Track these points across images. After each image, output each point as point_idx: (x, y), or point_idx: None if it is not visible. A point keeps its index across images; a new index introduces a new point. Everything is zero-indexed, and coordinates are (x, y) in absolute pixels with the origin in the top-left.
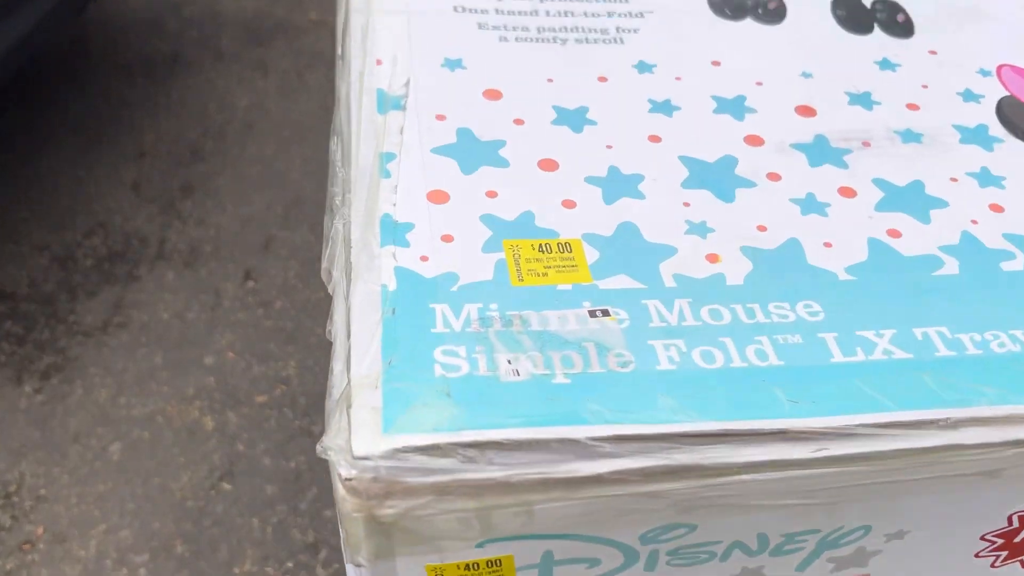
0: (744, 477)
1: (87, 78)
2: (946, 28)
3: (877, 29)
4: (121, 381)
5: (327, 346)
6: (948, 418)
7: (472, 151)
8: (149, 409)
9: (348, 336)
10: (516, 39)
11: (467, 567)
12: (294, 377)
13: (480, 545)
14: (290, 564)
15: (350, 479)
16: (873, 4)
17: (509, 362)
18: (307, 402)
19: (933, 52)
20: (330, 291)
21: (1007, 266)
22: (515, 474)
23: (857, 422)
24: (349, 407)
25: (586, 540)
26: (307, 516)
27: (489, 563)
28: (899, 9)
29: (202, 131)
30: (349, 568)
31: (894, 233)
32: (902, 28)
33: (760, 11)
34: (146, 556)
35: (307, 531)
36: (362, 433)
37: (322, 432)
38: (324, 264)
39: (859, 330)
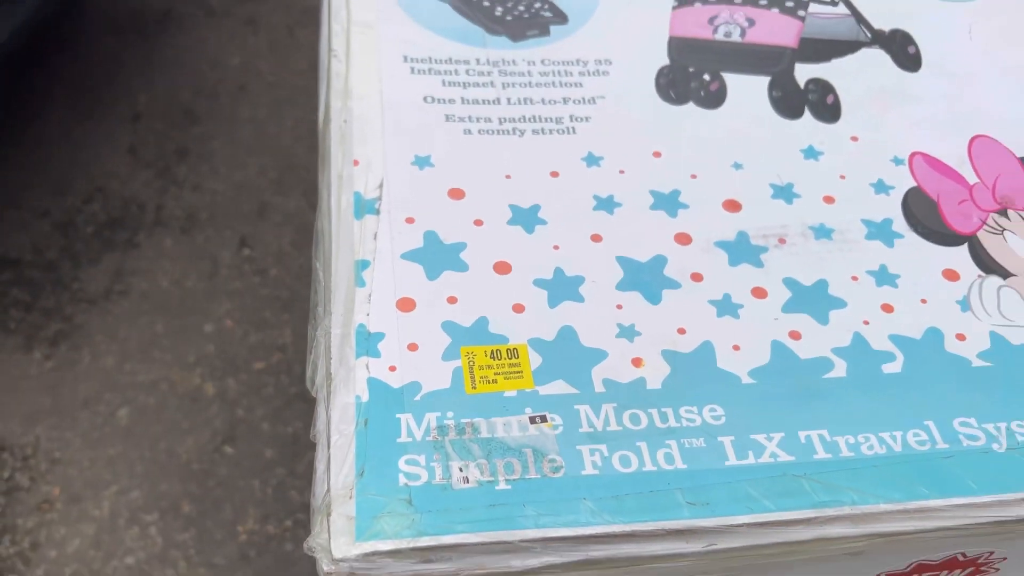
0: (649, 567)
1: (78, 38)
2: (871, 111)
3: (807, 113)
4: (125, 348)
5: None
6: (818, 517)
7: (436, 255)
8: (153, 376)
9: (328, 446)
10: (479, 131)
11: None
12: (290, 344)
13: None
14: (289, 522)
15: (330, 574)
16: (807, 84)
17: (460, 470)
18: (302, 369)
19: (855, 138)
20: (313, 395)
21: (887, 368)
22: (463, 569)
23: (741, 521)
24: (329, 515)
25: None
26: (304, 478)
27: None
28: (830, 90)
29: (195, 92)
30: None
31: (795, 335)
32: (830, 111)
33: (702, 93)
34: (156, 515)
35: (304, 492)
36: (339, 539)
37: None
38: (308, 373)
39: (753, 433)
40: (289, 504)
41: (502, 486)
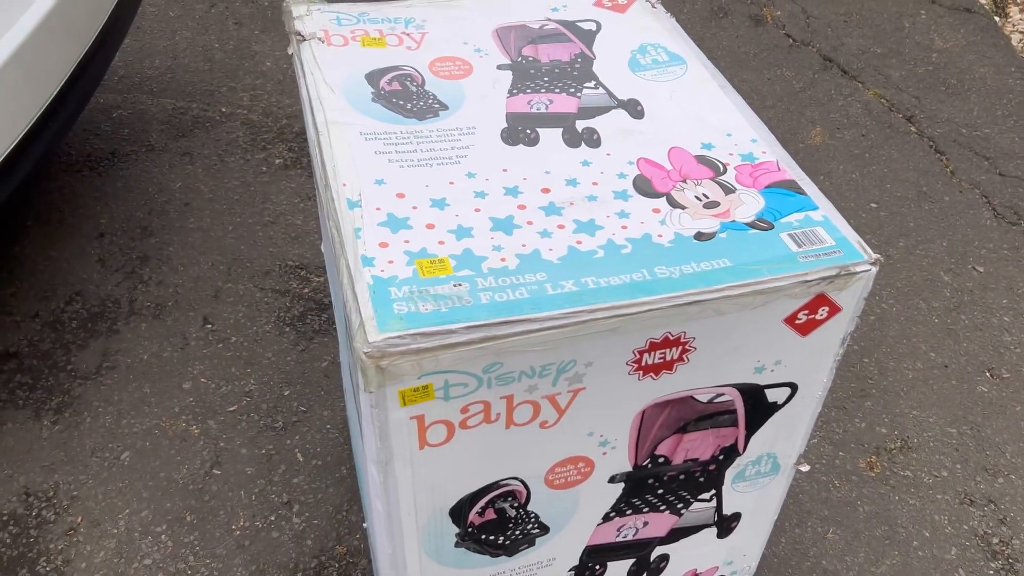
0: (515, 340)
1: (42, 176)
2: (617, 140)
3: (583, 144)
4: (120, 408)
5: (278, 365)
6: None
7: (394, 223)
8: (147, 425)
9: (358, 304)
10: (408, 165)
11: (412, 391)
12: (255, 390)
13: (419, 378)
14: (272, 517)
15: (366, 352)
16: (583, 130)
17: (421, 305)
18: (268, 407)
19: (608, 154)
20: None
21: (624, 251)
22: (424, 347)
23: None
24: (363, 327)
25: (459, 373)
26: (280, 485)
27: (420, 388)
28: (595, 131)
29: (147, 211)
30: (362, 397)
31: (581, 241)
32: (596, 142)
33: (526, 139)
34: (164, 526)
35: (282, 494)
36: (370, 332)
37: (283, 426)
38: (332, 280)
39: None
40: (270, 504)
41: (443, 309)
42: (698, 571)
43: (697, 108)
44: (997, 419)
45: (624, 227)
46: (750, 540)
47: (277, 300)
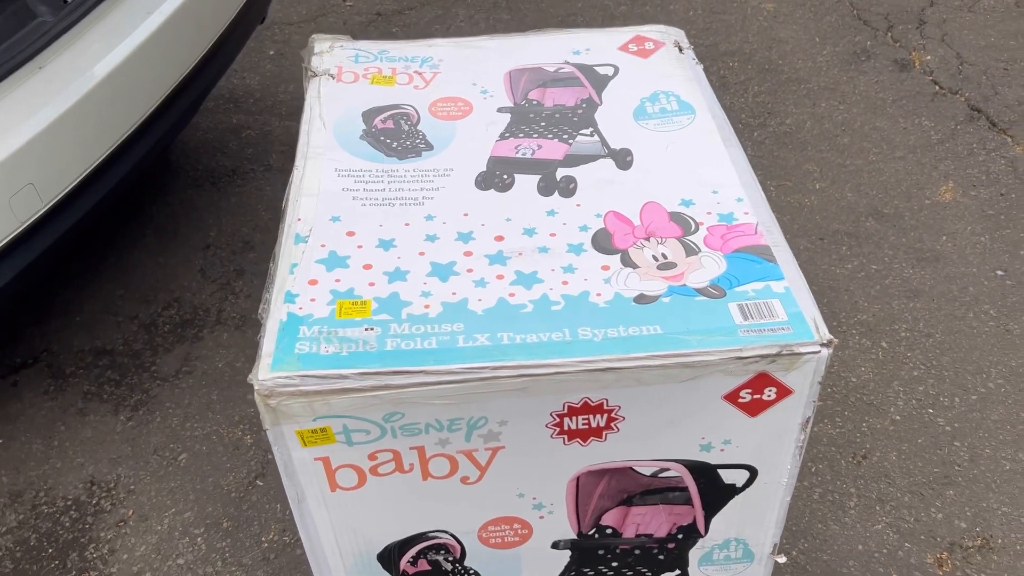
0: (412, 391)
1: (165, 188)
2: (592, 191)
3: (556, 193)
4: (187, 412)
5: None
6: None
7: (333, 260)
8: (207, 431)
9: (265, 335)
10: (370, 203)
11: (311, 432)
12: None
13: (314, 420)
14: (299, 536)
15: (256, 389)
16: (561, 178)
17: (325, 347)
18: None
19: (579, 205)
20: (260, 320)
21: (555, 308)
22: (315, 390)
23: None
24: (259, 362)
25: (358, 419)
26: None
27: (319, 430)
28: (573, 180)
29: (252, 227)
30: (266, 432)
31: (513, 294)
32: (570, 192)
33: (500, 184)
34: (202, 529)
35: None
36: (262, 369)
37: None
38: (260, 311)
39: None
40: None
41: (343, 353)
42: None
43: (691, 161)
44: None
45: (565, 283)
46: None
47: None
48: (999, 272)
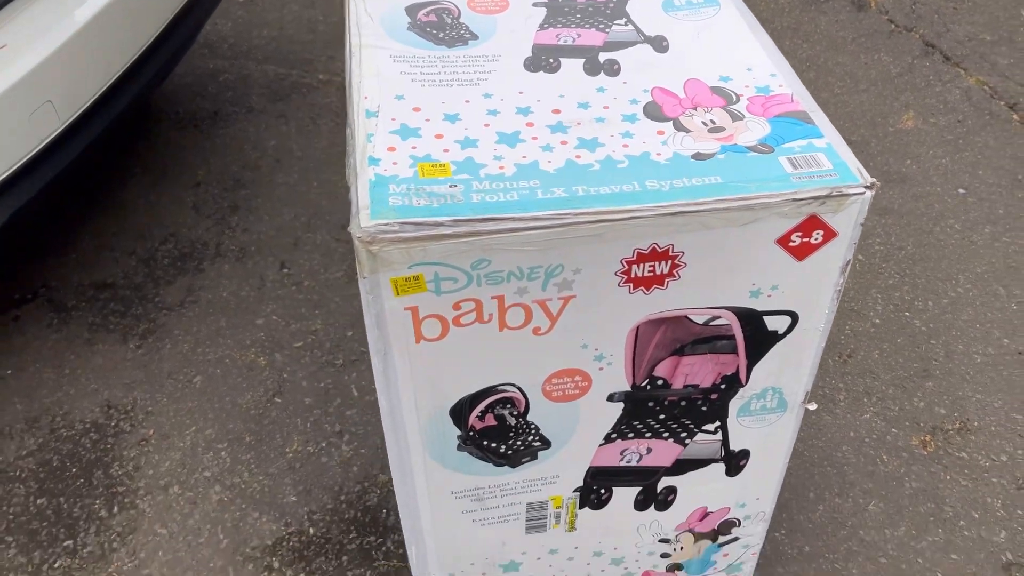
0: (501, 237)
1: (150, 131)
2: (636, 72)
3: (602, 73)
4: (197, 338)
5: (344, 309)
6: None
7: (405, 132)
8: (219, 355)
9: (357, 192)
10: (429, 84)
11: (404, 280)
12: (320, 330)
13: (409, 268)
14: (323, 444)
15: (359, 236)
16: (604, 61)
17: (416, 199)
18: (331, 345)
19: (625, 83)
20: (348, 183)
21: (620, 165)
22: (412, 236)
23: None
24: (359, 213)
25: (449, 266)
26: (334, 416)
27: (412, 278)
28: (616, 63)
29: (241, 165)
30: (361, 285)
31: (580, 155)
32: (615, 72)
33: (547, 67)
34: (225, 444)
35: (335, 424)
36: (363, 218)
37: (343, 364)
38: (347, 173)
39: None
40: (323, 433)
41: (435, 205)
42: (709, 510)
43: (722, 45)
44: None
45: (625, 146)
46: (761, 483)
47: (351, 252)
48: (960, 190)
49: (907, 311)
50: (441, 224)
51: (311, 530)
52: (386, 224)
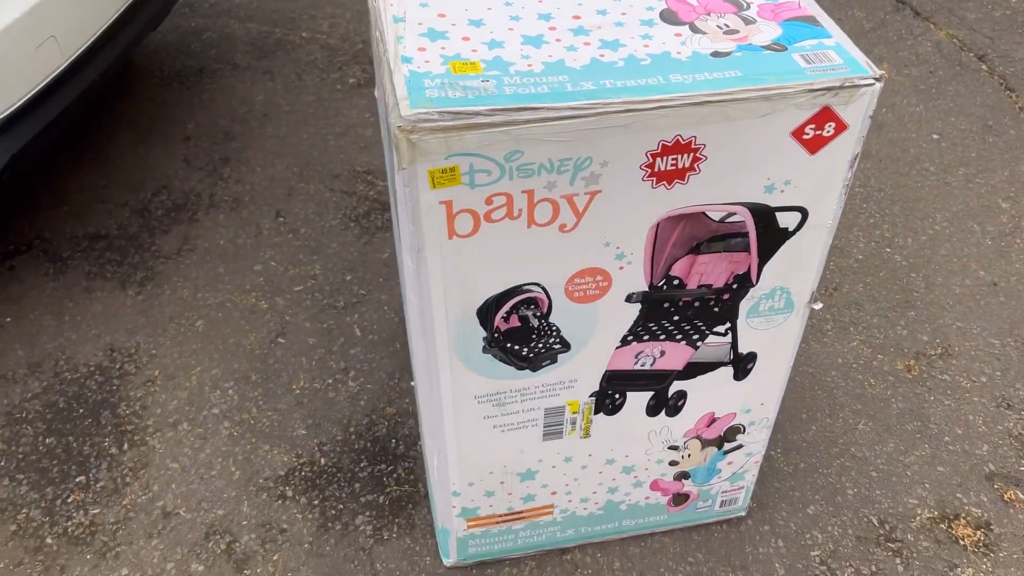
0: (534, 127)
1: (134, 88)
2: None
3: None
4: (197, 284)
5: (341, 255)
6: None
7: (432, 34)
8: (220, 299)
9: (395, 88)
10: None
11: (441, 172)
12: (320, 274)
13: (446, 158)
14: (330, 380)
15: (399, 126)
16: None
17: (450, 92)
18: (331, 288)
19: None
20: (373, 91)
21: (643, 63)
22: (450, 125)
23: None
24: (398, 105)
25: (484, 158)
26: (338, 354)
27: (448, 169)
28: None
29: (230, 120)
30: (397, 177)
31: (604, 54)
32: None
33: None
34: (232, 383)
35: (340, 362)
36: (403, 108)
37: (344, 306)
38: (377, 81)
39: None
40: (329, 370)
41: (470, 96)
42: (716, 415)
43: None
44: None
45: (646, 45)
46: (767, 387)
47: (344, 200)
48: (934, 136)
49: (888, 247)
50: (478, 113)
51: (322, 460)
52: (425, 113)
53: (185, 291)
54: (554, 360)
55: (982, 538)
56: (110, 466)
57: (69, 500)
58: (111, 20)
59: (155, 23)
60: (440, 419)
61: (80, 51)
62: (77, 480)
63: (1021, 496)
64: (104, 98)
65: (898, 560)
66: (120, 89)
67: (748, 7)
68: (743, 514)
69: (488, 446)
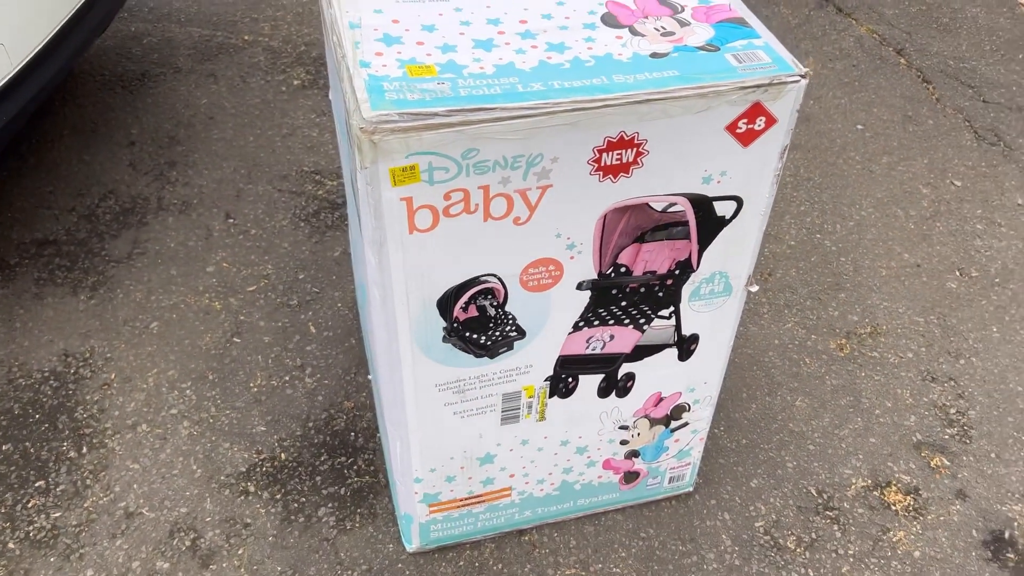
0: (489, 126)
1: (76, 92)
2: None
3: None
4: (149, 287)
5: (293, 254)
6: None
7: (388, 40)
8: (173, 301)
9: (355, 93)
10: (401, 1)
11: (402, 170)
12: (272, 274)
13: (407, 157)
14: (287, 378)
15: (361, 127)
16: None
17: (408, 95)
18: (284, 287)
19: None
20: (331, 98)
21: (588, 64)
22: (410, 126)
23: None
24: (359, 107)
25: (442, 156)
26: (294, 352)
27: (408, 168)
28: None
29: (175, 123)
30: (359, 176)
31: (551, 55)
32: None
33: None
34: (189, 383)
35: (296, 359)
36: (364, 110)
37: (298, 304)
38: (331, 84)
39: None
40: (285, 367)
41: (427, 98)
42: (663, 395)
43: None
44: (963, 311)
45: (590, 48)
46: (709, 367)
47: (293, 200)
48: (859, 126)
49: (818, 233)
50: (436, 114)
51: (283, 455)
52: (386, 115)
53: (138, 294)
54: (511, 347)
55: (912, 503)
56: (70, 470)
57: (29, 505)
58: (59, 26)
59: (102, 28)
60: (402, 408)
61: (29, 57)
62: (36, 485)
63: (946, 462)
64: (46, 103)
65: (836, 527)
66: (62, 94)
67: (683, 10)
68: (690, 490)
69: (448, 432)
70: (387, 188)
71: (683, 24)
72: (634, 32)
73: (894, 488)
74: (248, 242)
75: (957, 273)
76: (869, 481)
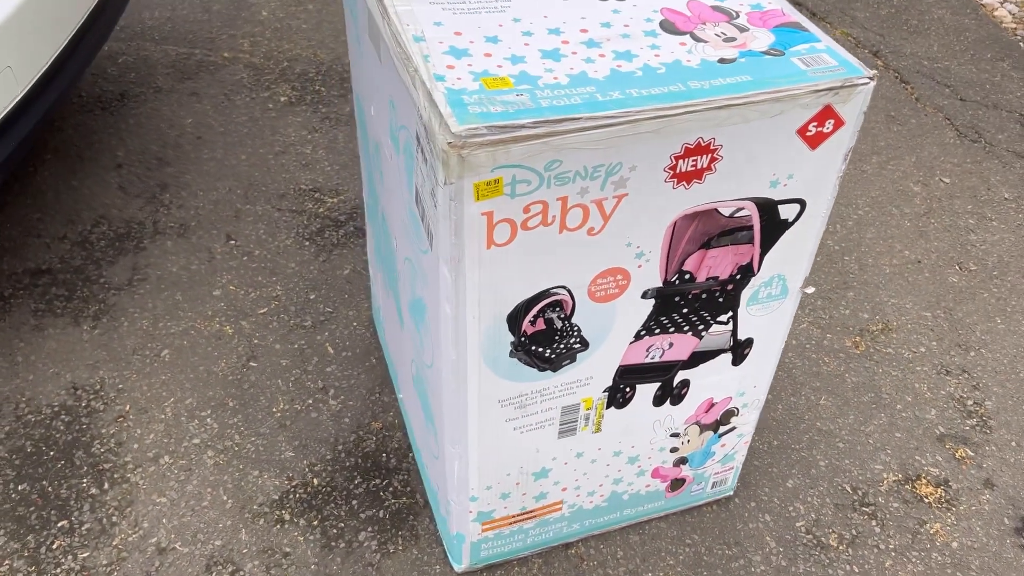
0: (574, 136)
1: (55, 115)
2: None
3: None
4: (155, 314)
5: (301, 274)
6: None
7: (456, 52)
8: (183, 327)
9: (436, 106)
10: (459, 12)
11: (486, 184)
12: (282, 295)
13: (492, 171)
14: (310, 401)
15: (450, 142)
16: None
17: (488, 107)
18: (296, 308)
19: (635, 5)
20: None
21: (637, 73)
22: (498, 139)
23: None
24: (445, 122)
25: (525, 168)
26: (314, 374)
27: (492, 182)
28: None
29: (161, 144)
30: (440, 192)
31: (617, 64)
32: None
33: None
34: (209, 411)
35: (317, 381)
36: (452, 125)
37: (312, 325)
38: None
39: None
40: (307, 390)
41: (510, 110)
42: (714, 400)
43: None
44: (967, 304)
45: (657, 55)
46: (760, 369)
47: (295, 218)
48: None
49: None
50: (523, 126)
51: (315, 481)
52: (474, 128)
53: (144, 321)
54: (574, 359)
55: (943, 495)
56: (93, 507)
57: (55, 546)
58: (62, 47)
59: (99, 46)
60: (464, 426)
61: (35, 79)
62: (59, 525)
63: (970, 453)
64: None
65: (874, 522)
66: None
67: (738, 16)
68: (731, 493)
69: (507, 448)
70: (470, 203)
71: (742, 29)
72: (696, 38)
73: (924, 481)
74: (253, 263)
75: (957, 267)
76: (900, 475)
